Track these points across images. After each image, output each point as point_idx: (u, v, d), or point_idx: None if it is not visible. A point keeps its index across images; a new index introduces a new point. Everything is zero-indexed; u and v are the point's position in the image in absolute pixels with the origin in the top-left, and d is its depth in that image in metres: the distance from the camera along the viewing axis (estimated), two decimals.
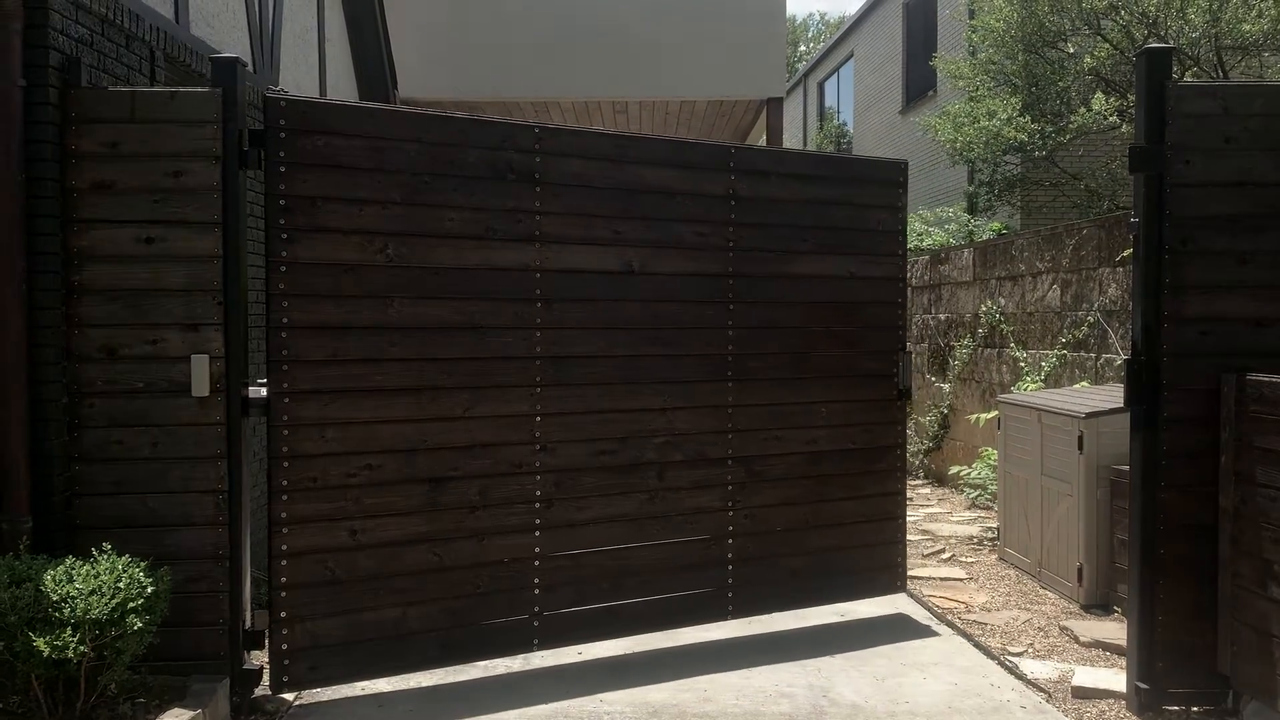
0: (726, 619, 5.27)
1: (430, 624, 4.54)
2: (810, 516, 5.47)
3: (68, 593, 3.51)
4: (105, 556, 3.72)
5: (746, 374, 5.29)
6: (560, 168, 4.82)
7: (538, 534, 4.79)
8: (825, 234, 5.48)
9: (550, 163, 4.79)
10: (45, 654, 3.39)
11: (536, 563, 4.79)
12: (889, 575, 5.71)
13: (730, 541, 5.25)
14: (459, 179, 4.58)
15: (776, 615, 5.45)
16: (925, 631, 5.41)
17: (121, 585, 3.60)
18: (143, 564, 3.76)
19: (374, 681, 4.58)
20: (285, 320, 4.27)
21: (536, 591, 4.79)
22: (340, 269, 4.38)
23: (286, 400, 4.28)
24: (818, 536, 5.48)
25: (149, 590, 3.66)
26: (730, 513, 5.25)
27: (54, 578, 3.56)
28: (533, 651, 4.82)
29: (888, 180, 5.71)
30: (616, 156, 4.95)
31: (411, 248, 4.50)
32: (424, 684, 4.60)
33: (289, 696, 4.37)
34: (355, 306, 4.41)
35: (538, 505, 4.79)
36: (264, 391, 4.28)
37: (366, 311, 4.43)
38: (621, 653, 5.04)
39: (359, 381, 4.41)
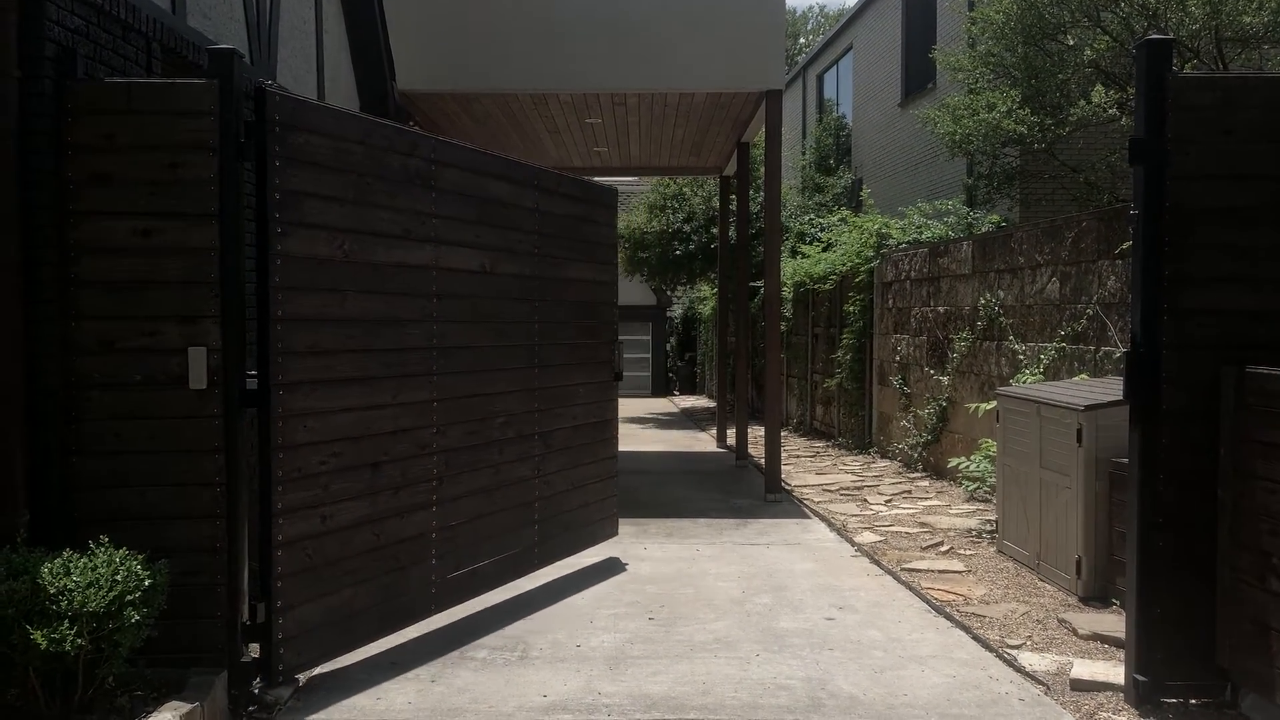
0: (535, 570, 6.14)
1: (371, 600, 4.79)
2: (574, 479, 6.52)
3: (65, 585, 3.50)
4: (103, 549, 3.72)
5: (545, 361, 6.19)
6: (446, 176, 5.28)
7: (434, 509, 5.23)
8: (581, 244, 6.56)
9: (440, 171, 5.24)
10: (42, 647, 3.39)
11: (434, 535, 5.22)
12: (611, 524, 7.04)
13: (536, 504, 6.13)
14: (388, 182, 4.87)
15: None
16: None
17: (119, 578, 3.59)
18: (140, 557, 3.76)
19: (371, 673, 4.60)
20: (280, 313, 4.29)
21: (434, 562, 5.23)
22: (315, 263, 4.48)
23: (281, 392, 4.30)
24: (577, 495, 6.58)
25: (146, 583, 3.66)
26: (536, 480, 6.12)
27: (51, 570, 3.55)
28: (431, 616, 5.24)
29: (610, 203, 6.96)
30: (477, 169, 5.55)
31: (360, 244, 4.70)
32: (410, 670, 4.61)
33: (290, 686, 4.37)
34: (325, 300, 4.54)
35: (434, 483, 5.22)
36: (254, 383, 4.30)
37: (332, 305, 4.56)
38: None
39: (327, 372, 4.53)
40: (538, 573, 6.21)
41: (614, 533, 7.07)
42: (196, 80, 4.22)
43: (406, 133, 5.09)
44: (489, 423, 5.64)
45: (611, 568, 6.66)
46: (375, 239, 4.79)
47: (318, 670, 4.64)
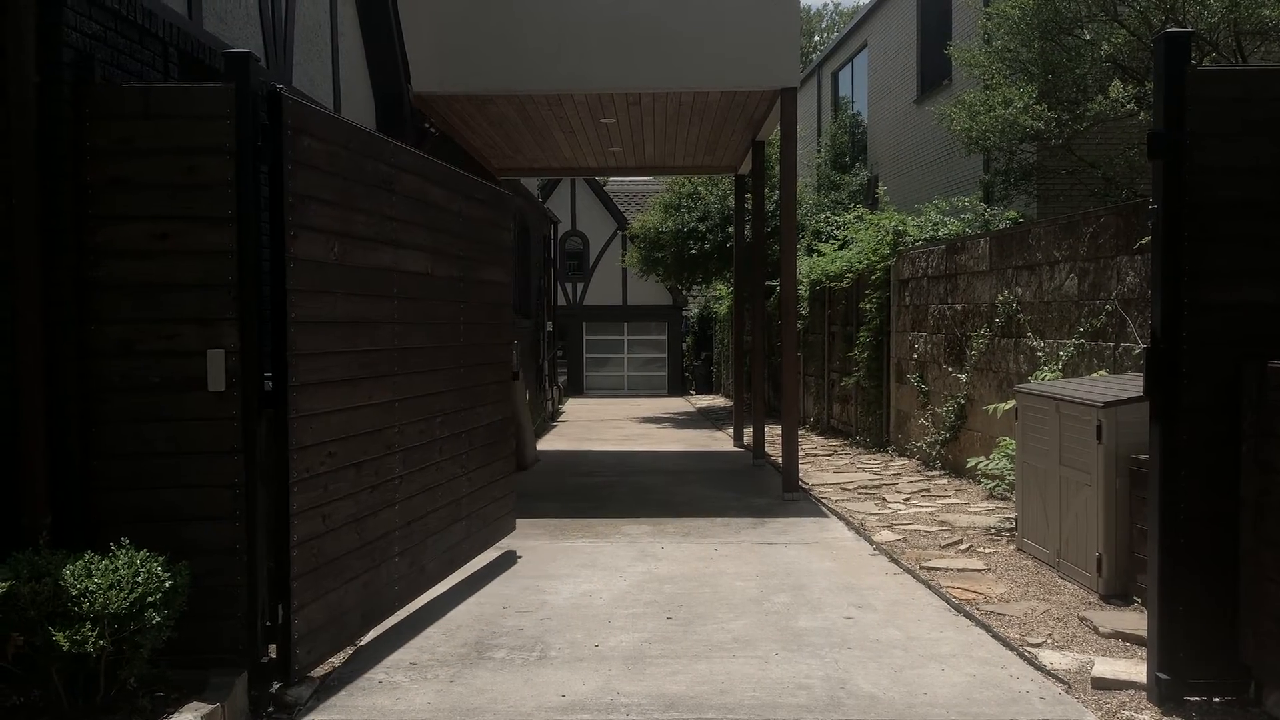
0: (463, 564, 6.30)
1: (356, 598, 4.85)
2: (488, 475, 6.71)
3: (86, 587, 3.53)
4: (123, 551, 3.74)
5: (468, 361, 6.31)
6: (402, 181, 5.36)
7: (397, 507, 5.29)
8: (490, 247, 6.75)
9: (398, 176, 5.31)
10: (65, 648, 3.41)
11: (397, 533, 5.29)
12: (512, 518, 7.30)
13: (464, 500, 6.25)
14: (362, 186, 4.91)
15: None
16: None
17: (140, 580, 3.62)
18: (160, 558, 3.78)
19: (389, 673, 4.61)
20: (294, 315, 4.32)
21: (397, 560, 5.29)
22: (317, 265, 4.51)
23: (295, 393, 4.33)
24: (490, 490, 6.77)
25: (167, 584, 3.68)
26: (464, 476, 6.25)
27: (73, 572, 3.58)
28: (396, 612, 5.32)
29: (510, 208, 7.25)
30: (424, 174, 5.65)
31: (344, 247, 4.74)
32: (428, 669, 4.62)
33: (309, 686, 4.39)
34: (325, 302, 4.57)
35: (397, 481, 5.27)
36: (270, 385, 4.33)
37: (328, 307, 4.59)
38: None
39: (325, 374, 4.57)
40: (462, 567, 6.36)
41: (513, 528, 7.32)
42: (213, 84, 4.24)
43: (375, 138, 5.20)
44: (432, 421, 5.73)
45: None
46: (355, 242, 4.85)
47: (336, 669, 4.67)
